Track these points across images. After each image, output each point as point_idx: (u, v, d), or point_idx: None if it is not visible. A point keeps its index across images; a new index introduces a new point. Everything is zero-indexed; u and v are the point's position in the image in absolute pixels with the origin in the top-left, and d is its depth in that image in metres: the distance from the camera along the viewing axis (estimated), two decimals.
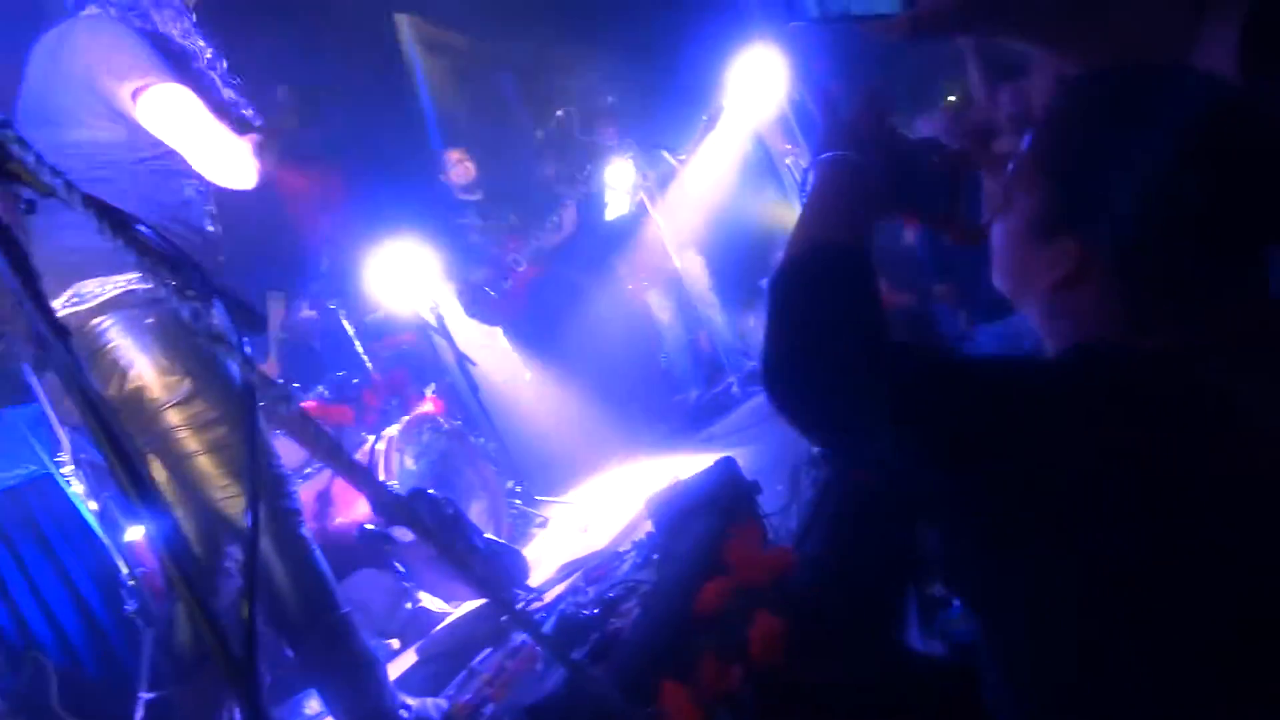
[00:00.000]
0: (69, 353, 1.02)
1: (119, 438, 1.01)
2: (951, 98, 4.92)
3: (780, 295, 0.91)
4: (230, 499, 1.90)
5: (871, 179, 1.02)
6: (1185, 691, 0.67)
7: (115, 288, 1.91)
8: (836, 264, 0.91)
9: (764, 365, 0.91)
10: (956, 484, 0.77)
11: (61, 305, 1.90)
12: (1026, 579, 0.73)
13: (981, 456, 0.74)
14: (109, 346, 1.90)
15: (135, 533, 3.36)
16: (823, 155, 1.06)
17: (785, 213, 5.65)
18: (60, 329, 1.02)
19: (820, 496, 2.32)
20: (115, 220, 0.98)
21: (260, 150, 2.11)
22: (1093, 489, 0.68)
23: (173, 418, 1.91)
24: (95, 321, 1.90)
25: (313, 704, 2.91)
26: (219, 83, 2.14)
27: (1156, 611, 0.67)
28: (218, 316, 1.09)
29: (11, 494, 3.71)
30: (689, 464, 3.51)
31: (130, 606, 3.22)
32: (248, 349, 1.11)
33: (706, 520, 2.09)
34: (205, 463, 1.92)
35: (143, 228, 1.04)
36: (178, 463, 1.95)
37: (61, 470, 3.08)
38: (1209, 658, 0.67)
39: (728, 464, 2.23)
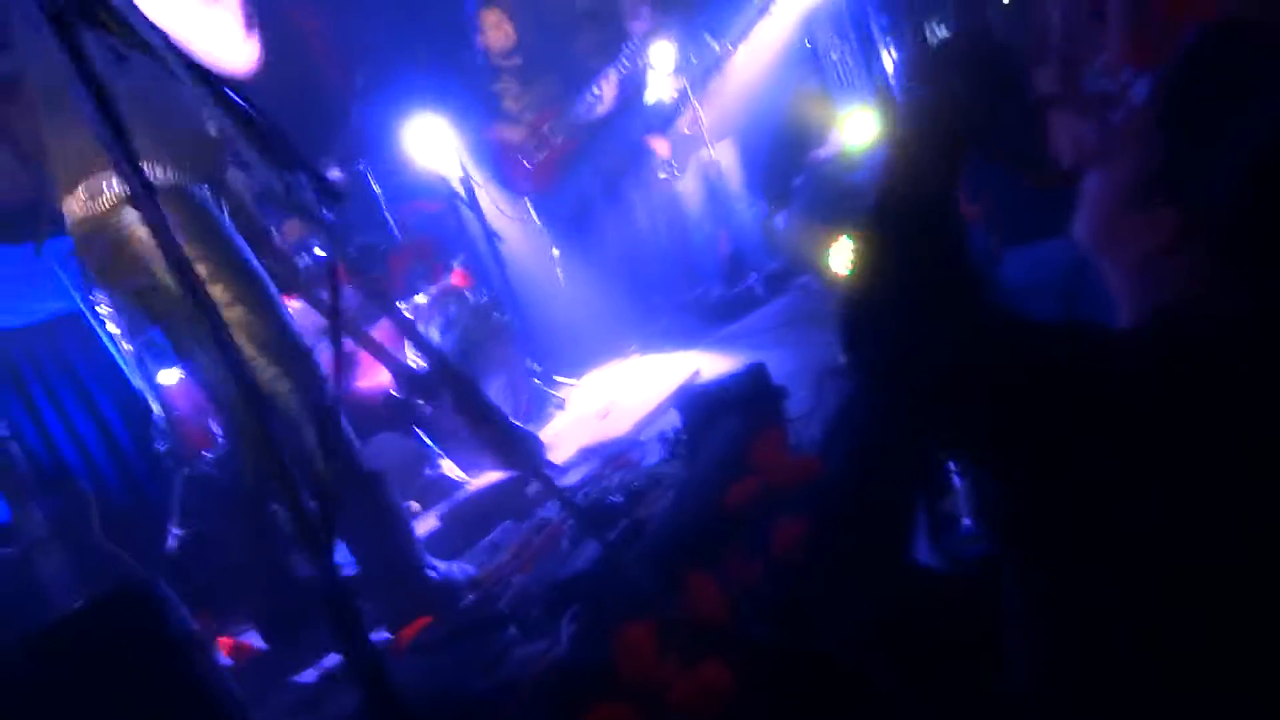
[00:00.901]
0: (157, 209, 1.03)
1: (199, 288, 1.04)
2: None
3: (874, 247, 0.90)
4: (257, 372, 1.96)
5: (963, 115, 0.99)
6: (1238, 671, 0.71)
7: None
8: (933, 218, 0.89)
9: (849, 316, 0.89)
10: (1037, 453, 0.79)
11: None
12: (1097, 539, 0.76)
13: (1065, 428, 0.75)
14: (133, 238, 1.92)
15: (169, 376, 3.45)
16: (916, 86, 1.03)
17: (825, 109, 5.49)
18: (148, 184, 1.03)
19: (844, 408, 2.37)
20: (215, 86, 0.97)
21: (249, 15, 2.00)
22: (1180, 459, 0.71)
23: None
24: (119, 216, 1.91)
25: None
26: None
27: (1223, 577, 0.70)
28: (303, 188, 1.10)
29: (45, 329, 3.77)
30: (709, 361, 3.57)
31: (160, 446, 3.34)
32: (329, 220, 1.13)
33: (734, 420, 2.15)
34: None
35: (235, 95, 1.03)
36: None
37: (97, 309, 3.12)
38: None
39: (758, 368, 2.26)
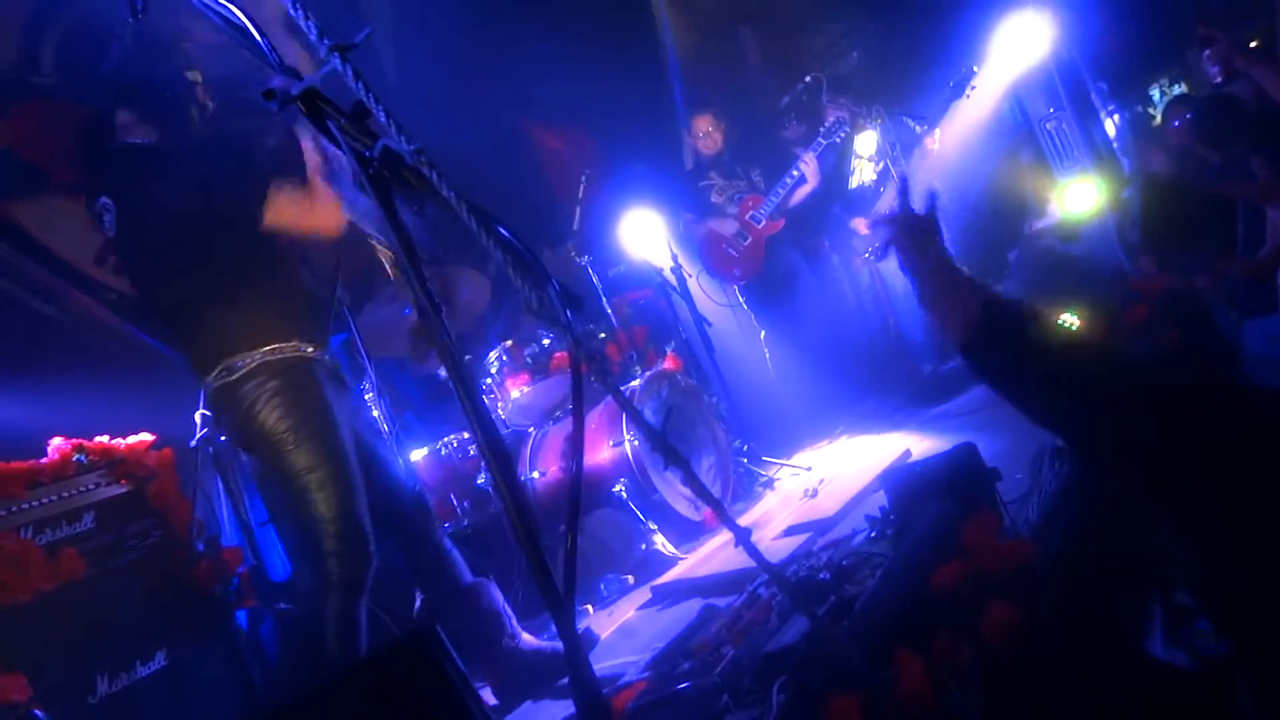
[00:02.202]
0: (442, 323, 1.28)
1: (466, 375, 1.27)
2: (1254, 43, 4.42)
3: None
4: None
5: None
6: None
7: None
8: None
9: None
10: (1237, 505, 0.81)
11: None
12: None
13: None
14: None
15: (417, 454, 3.91)
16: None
17: (1040, 180, 5.33)
18: (434, 302, 1.28)
19: (1064, 490, 2.29)
20: (489, 224, 1.21)
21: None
22: None
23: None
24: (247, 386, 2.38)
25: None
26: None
27: None
28: (552, 300, 1.31)
29: None
30: (919, 442, 3.53)
31: None
32: (575, 328, 1.34)
33: (943, 502, 2.15)
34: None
35: (502, 229, 1.27)
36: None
37: (364, 394, 3.61)
38: None
39: (969, 449, 2.26)
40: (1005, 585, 1.80)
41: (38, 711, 2.19)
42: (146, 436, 3.14)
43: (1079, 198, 4.95)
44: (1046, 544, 2.08)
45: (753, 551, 1.35)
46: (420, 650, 1.09)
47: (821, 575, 2.03)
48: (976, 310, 1.21)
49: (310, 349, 2.47)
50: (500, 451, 1.35)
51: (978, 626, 1.70)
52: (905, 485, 2.25)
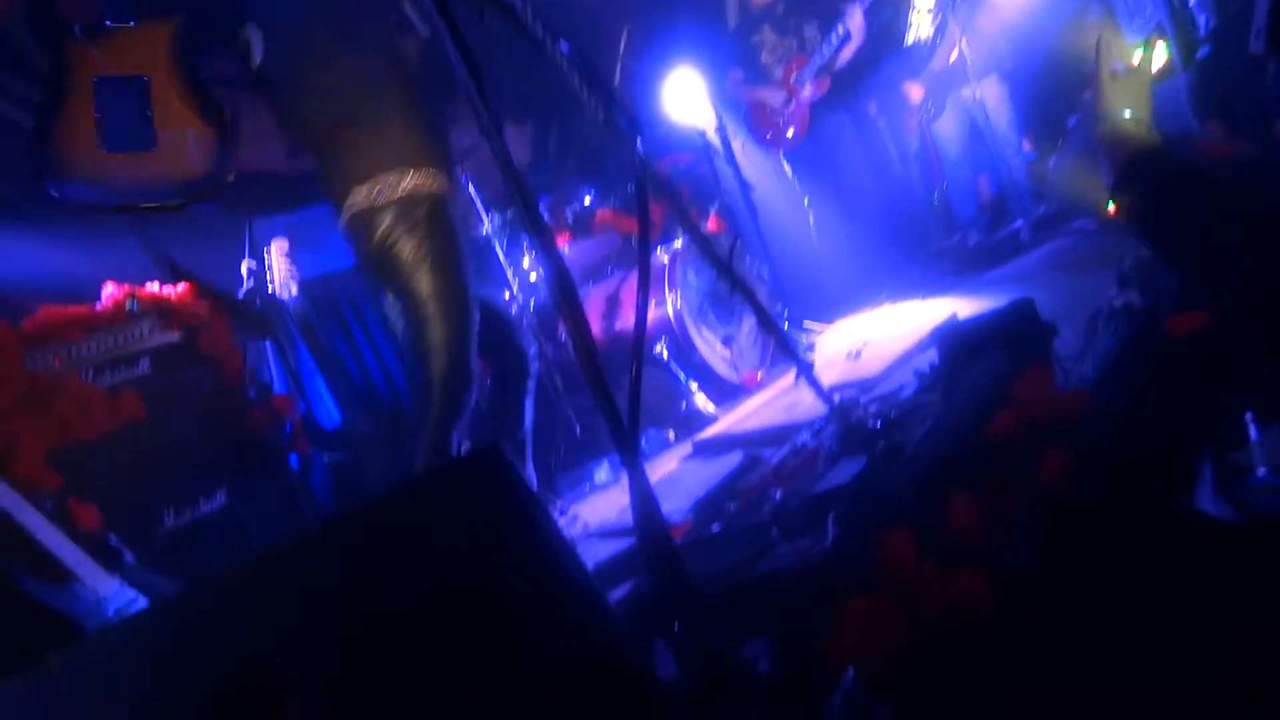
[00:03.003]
0: (505, 147, 1.24)
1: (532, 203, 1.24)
2: None
3: None
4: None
5: None
6: None
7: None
8: None
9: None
10: None
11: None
12: None
13: None
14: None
15: None
16: None
17: (1111, 40, 5.01)
18: (497, 123, 1.24)
19: (1123, 347, 2.25)
20: (559, 42, 1.15)
21: None
22: None
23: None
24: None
25: (600, 473, 3.36)
26: None
27: None
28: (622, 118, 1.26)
29: (358, 270, 4.41)
30: (967, 305, 3.47)
31: None
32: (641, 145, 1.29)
33: (997, 356, 2.12)
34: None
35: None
36: None
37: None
38: None
39: (1026, 302, 2.21)
40: (1059, 435, 1.79)
41: (112, 537, 2.31)
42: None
43: (1148, 59, 4.66)
44: (1102, 400, 2.06)
45: (814, 383, 1.34)
46: (485, 467, 1.09)
47: (871, 424, 2.03)
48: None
49: (448, 181, 2.50)
50: (569, 287, 1.34)
51: (1030, 473, 1.71)
52: (956, 340, 2.21)
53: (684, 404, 3.55)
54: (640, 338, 1.35)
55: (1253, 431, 2.25)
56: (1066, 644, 1.52)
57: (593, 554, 2.12)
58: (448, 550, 1.03)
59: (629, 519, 1.34)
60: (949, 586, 1.38)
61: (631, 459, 1.31)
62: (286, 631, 0.98)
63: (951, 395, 2.09)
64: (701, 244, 1.43)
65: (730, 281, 1.39)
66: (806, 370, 1.34)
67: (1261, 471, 2.07)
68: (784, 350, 1.46)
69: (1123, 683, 1.39)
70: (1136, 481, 1.91)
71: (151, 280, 3.03)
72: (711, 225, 4.23)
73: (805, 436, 2.25)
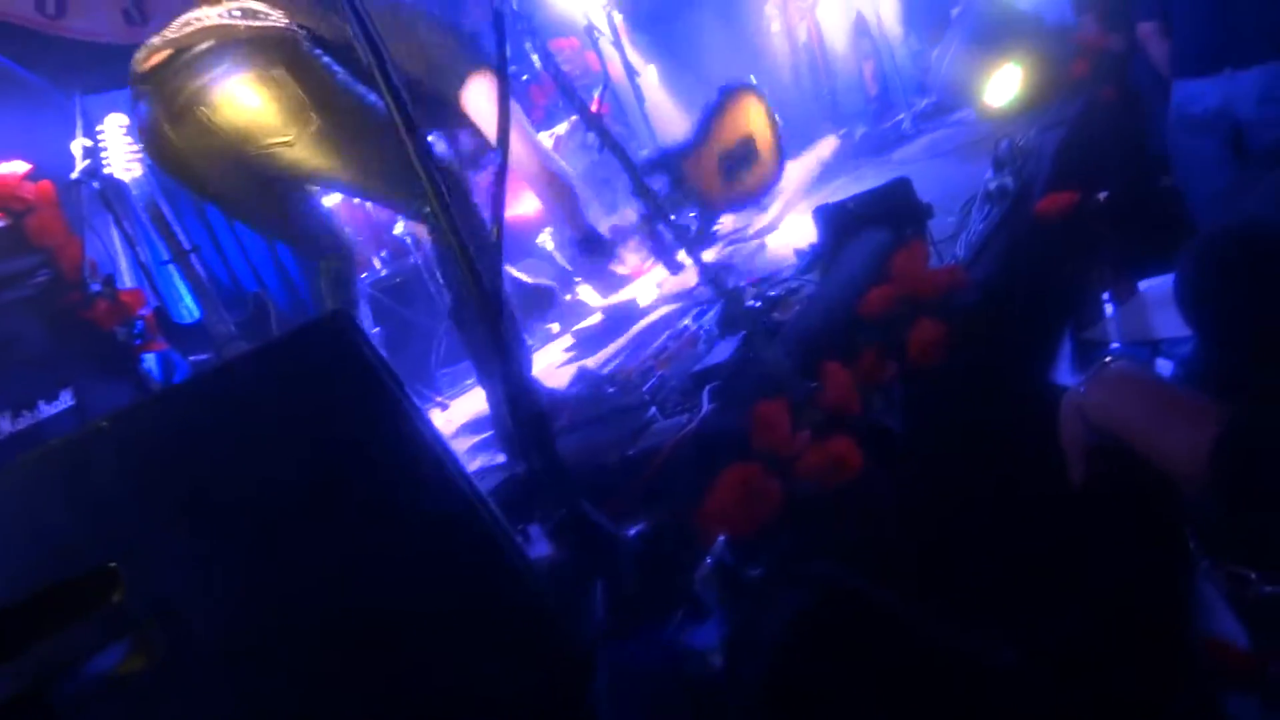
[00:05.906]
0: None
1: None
2: None
3: None
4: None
5: None
6: None
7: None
8: None
9: None
10: None
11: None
12: None
13: None
14: None
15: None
16: None
17: None
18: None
19: (996, 227, 2.29)
20: None
21: None
22: None
23: None
24: None
25: None
26: None
27: None
28: None
29: None
30: (850, 186, 3.48)
31: None
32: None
33: (876, 233, 2.12)
34: None
35: None
36: None
37: None
38: None
39: (903, 181, 2.21)
40: (932, 309, 1.81)
41: None
42: (20, 165, 2.84)
43: None
44: (974, 273, 2.10)
45: (698, 261, 1.29)
46: (331, 331, 1.00)
47: (749, 303, 2.01)
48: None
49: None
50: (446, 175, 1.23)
51: (903, 345, 1.73)
52: (836, 218, 2.20)
53: (568, 296, 3.47)
54: (499, 222, 1.27)
55: (1109, 309, 2.37)
56: (931, 504, 1.57)
57: (467, 444, 2.06)
58: (291, 417, 0.96)
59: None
60: (821, 453, 1.38)
61: (496, 341, 1.24)
62: (117, 504, 0.89)
63: (830, 272, 2.09)
64: (592, 123, 1.34)
65: (621, 163, 1.30)
66: (692, 254, 1.29)
67: (1115, 345, 2.19)
68: (668, 235, 1.40)
69: (982, 537, 1.45)
70: (1001, 353, 1.97)
71: None
72: (594, 108, 4.06)
73: (686, 320, 2.22)
